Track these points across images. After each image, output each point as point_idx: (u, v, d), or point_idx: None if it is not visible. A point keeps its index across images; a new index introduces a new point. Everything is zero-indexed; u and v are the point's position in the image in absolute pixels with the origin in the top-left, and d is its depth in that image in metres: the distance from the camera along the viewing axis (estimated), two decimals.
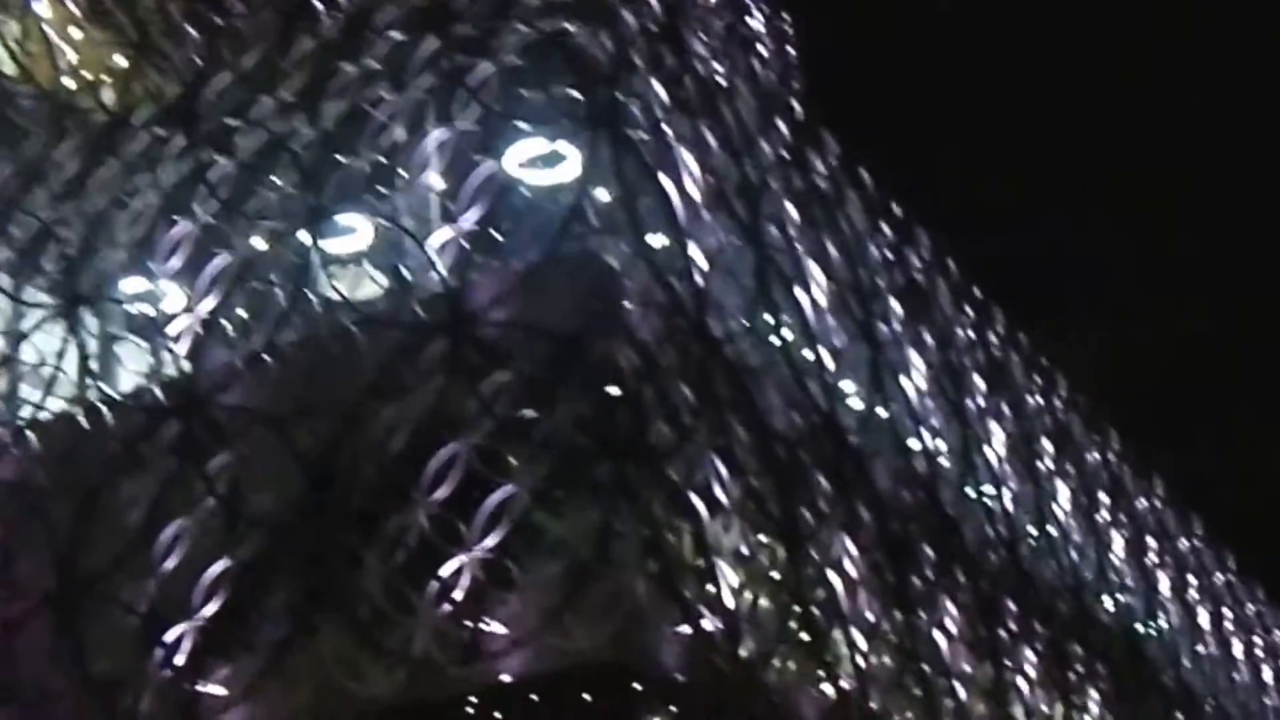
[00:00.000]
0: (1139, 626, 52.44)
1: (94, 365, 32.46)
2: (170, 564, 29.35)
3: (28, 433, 32.09)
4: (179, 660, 28.57)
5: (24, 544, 30.89)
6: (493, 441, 27.13)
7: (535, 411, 27.17)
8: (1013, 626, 40.75)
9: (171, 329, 31.40)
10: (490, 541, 26.39)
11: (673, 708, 28.79)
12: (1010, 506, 43.33)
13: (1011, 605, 41.09)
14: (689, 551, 27.66)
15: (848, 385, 36.55)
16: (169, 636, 28.72)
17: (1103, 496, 52.38)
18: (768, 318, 32.83)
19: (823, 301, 35.42)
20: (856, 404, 36.61)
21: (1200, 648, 58.99)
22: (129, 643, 29.37)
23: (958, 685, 36.56)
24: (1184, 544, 61.79)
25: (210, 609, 28.58)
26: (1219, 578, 65.42)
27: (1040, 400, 49.43)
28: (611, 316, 27.61)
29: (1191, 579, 60.79)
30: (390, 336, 28.69)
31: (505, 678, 26.34)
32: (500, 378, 27.26)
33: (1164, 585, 56.63)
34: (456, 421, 27.47)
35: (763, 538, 30.29)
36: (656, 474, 27.26)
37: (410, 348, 28.33)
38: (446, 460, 27.17)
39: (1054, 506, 47.05)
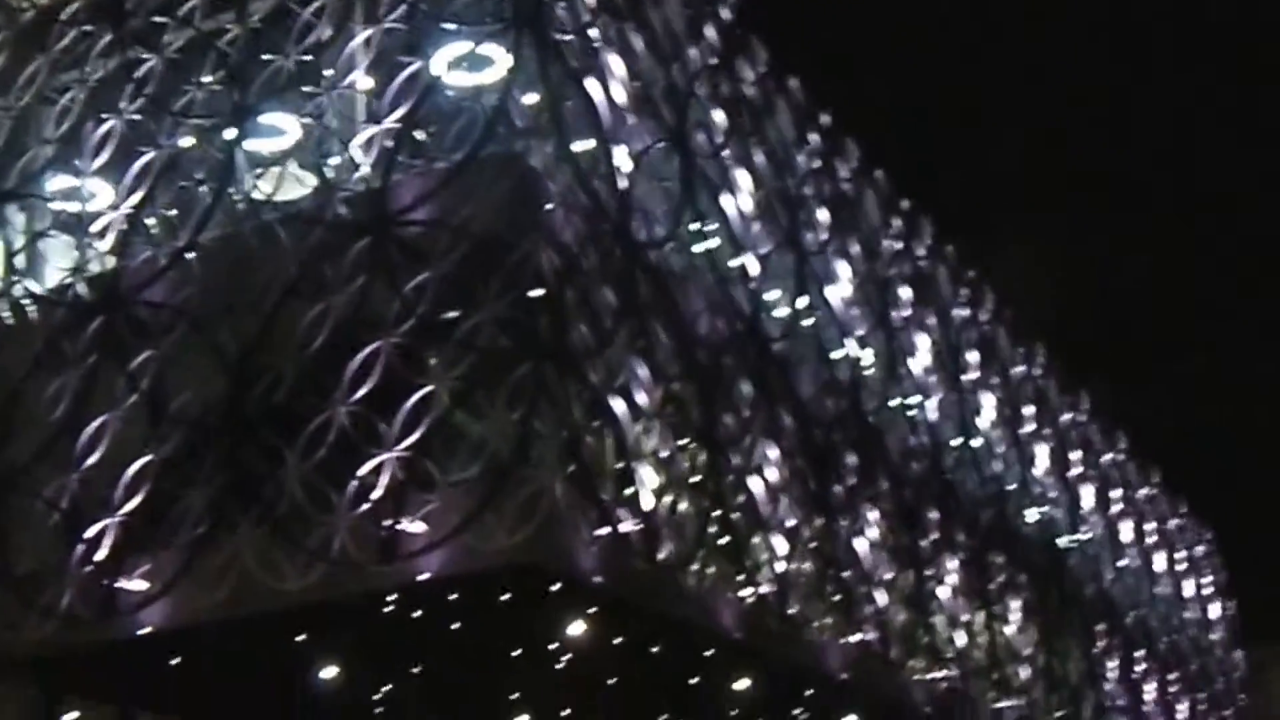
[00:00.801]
0: (1061, 539, 53.00)
1: (19, 262, 32.37)
2: (92, 460, 29.41)
3: None
4: (100, 556, 28.65)
5: None
6: (413, 341, 27.12)
7: (456, 312, 27.15)
8: (934, 535, 41.16)
9: (96, 226, 31.29)
10: (409, 441, 26.40)
11: (590, 609, 29.08)
12: (934, 416, 43.64)
13: (933, 514, 41.49)
14: (608, 454, 27.76)
15: (773, 294, 36.68)
16: (90, 532, 28.81)
17: (1027, 409, 52.78)
18: (692, 224, 32.89)
19: (749, 209, 35.52)
20: (781, 312, 36.74)
21: (1122, 561, 59.68)
22: (50, 538, 29.46)
23: (878, 592, 36.96)
24: (1108, 458, 62.37)
25: (131, 505, 28.65)
26: (1142, 492, 66.09)
27: (967, 312, 49.63)
28: (534, 218, 27.60)
29: (1115, 493, 61.43)
30: (313, 235, 28.64)
31: (423, 577, 26.39)
32: (422, 278, 27.22)
33: (1087, 498, 57.22)
34: (377, 321, 27.46)
35: (684, 442, 30.42)
36: (577, 376, 27.34)
37: (333, 247, 28.29)
38: (367, 359, 27.16)
39: (978, 418, 47.39)
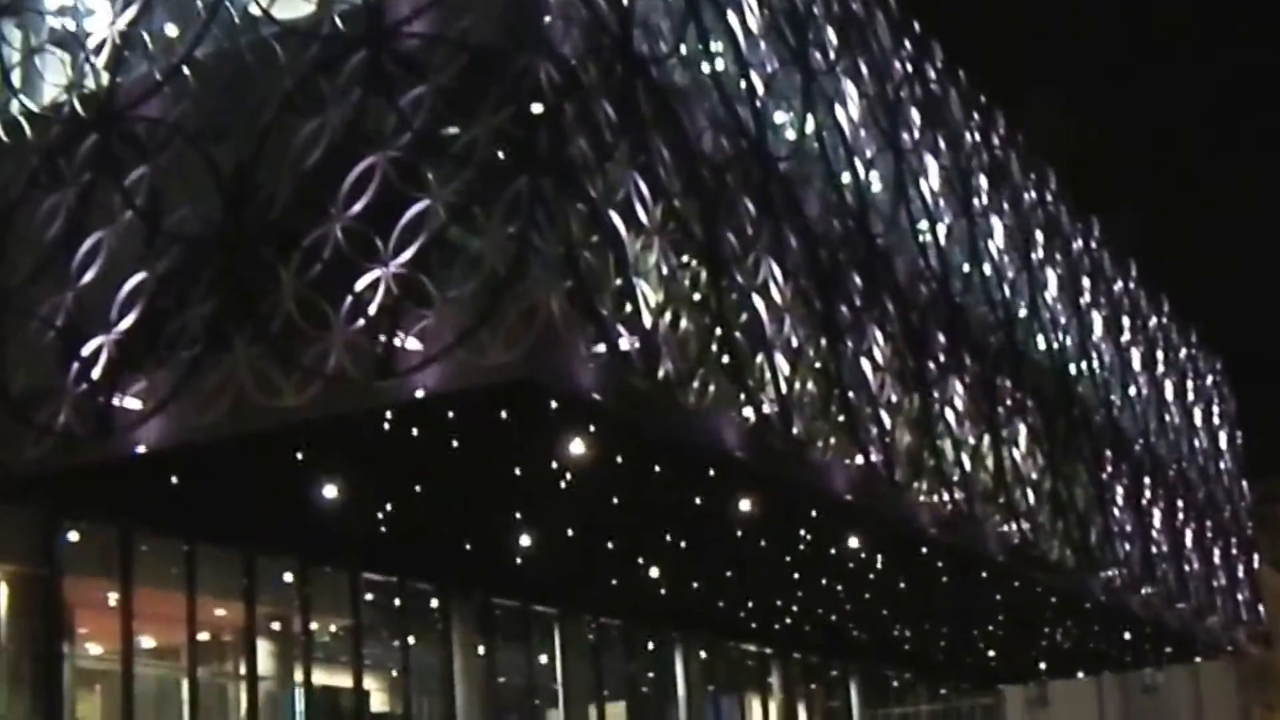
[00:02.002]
0: (1071, 366, 52.79)
1: (15, 78, 31.91)
2: (88, 278, 29.16)
3: None
4: (95, 374, 28.48)
5: None
6: (410, 156, 26.72)
7: (453, 126, 26.77)
8: (941, 358, 40.91)
9: (92, 42, 30.80)
10: (406, 256, 26.09)
11: (590, 428, 28.92)
12: (943, 240, 43.24)
13: (941, 338, 41.21)
14: (608, 271, 27.42)
15: (780, 115, 36.18)
16: (85, 350, 28.62)
17: (1038, 235, 52.35)
18: (697, 41, 32.33)
19: (755, 27, 34.93)
20: (789, 133, 36.26)
21: (1132, 389, 59.52)
22: (46, 356, 29.29)
23: (884, 414, 36.79)
24: (1119, 286, 62.00)
25: (127, 323, 28.43)
26: (1153, 321, 65.80)
27: (977, 137, 49.04)
28: (533, 31, 27.05)
29: (1126, 321, 61.15)
30: (310, 50, 28.16)
31: (420, 394, 26.19)
32: (418, 92, 26.77)
33: (1097, 326, 56.95)
34: (374, 136, 27.08)
35: (685, 260, 30.09)
36: (575, 190, 26.94)
37: (329, 61, 27.83)
38: (363, 174, 26.79)
39: (988, 243, 46.99)
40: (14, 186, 30.64)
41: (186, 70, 29.52)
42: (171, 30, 30.45)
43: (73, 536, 32.36)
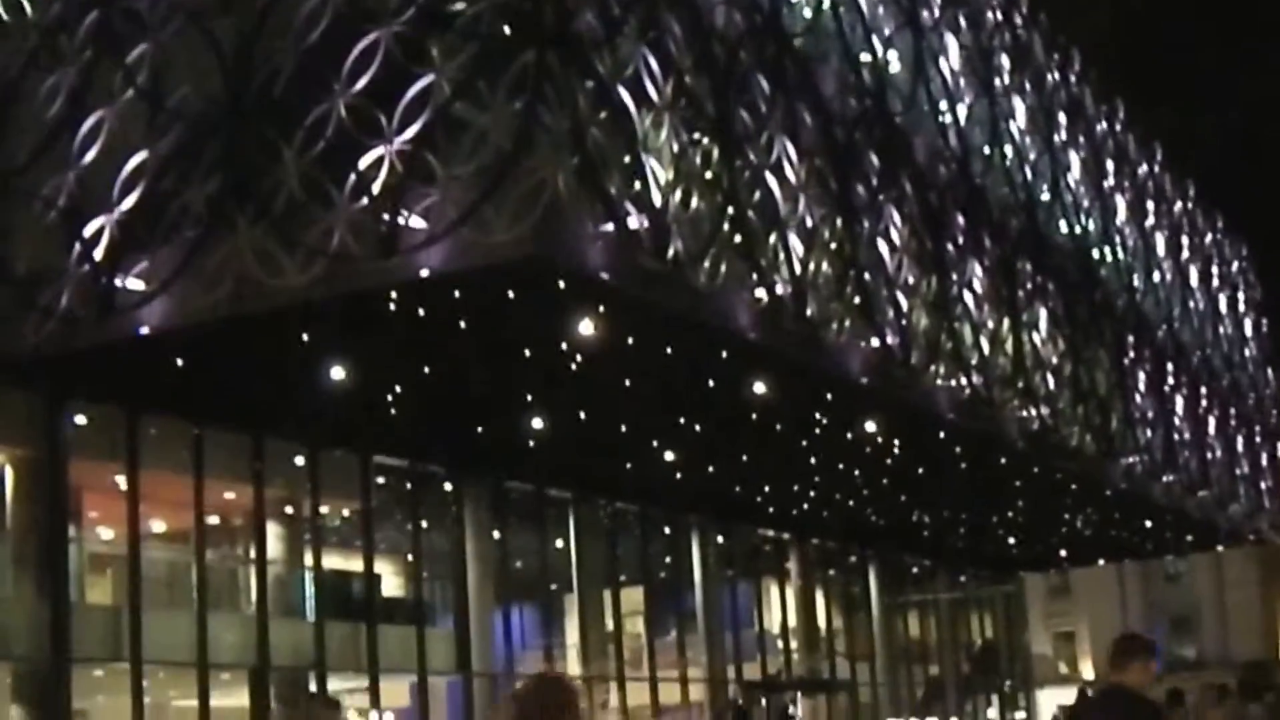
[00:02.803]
0: (1093, 250, 52.14)
1: None
2: (89, 157, 28.74)
3: None
4: (97, 255, 28.10)
5: None
6: (414, 30, 26.19)
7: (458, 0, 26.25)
8: (960, 240, 40.33)
9: None
10: (410, 133, 25.60)
11: (600, 308, 28.50)
12: (963, 121, 42.53)
13: (960, 219, 40.62)
14: (615, 147, 26.88)
15: None
16: (87, 231, 28.23)
17: (1061, 117, 51.58)
18: None
19: None
20: (805, 9, 35.57)
21: (1156, 274, 58.86)
22: (48, 237, 28.92)
23: (900, 296, 36.27)
24: (1144, 170, 61.21)
25: (129, 202, 28.03)
26: (1179, 206, 65.02)
27: (999, 16, 48.19)
28: None
29: (1150, 205, 60.40)
30: None
31: (424, 272, 25.78)
32: None
33: (1121, 210, 56.24)
34: (377, 11, 26.52)
35: (696, 137, 29.54)
36: (583, 65, 26.34)
37: None
38: (366, 50, 26.25)
39: (1009, 124, 46.25)
40: (14, 66, 30.14)
41: None
42: None
43: (78, 419, 32.14)
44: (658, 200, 27.38)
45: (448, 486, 41.65)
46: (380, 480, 39.62)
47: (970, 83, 43.82)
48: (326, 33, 26.82)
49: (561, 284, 27.26)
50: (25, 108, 29.76)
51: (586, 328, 28.95)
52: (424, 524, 41.15)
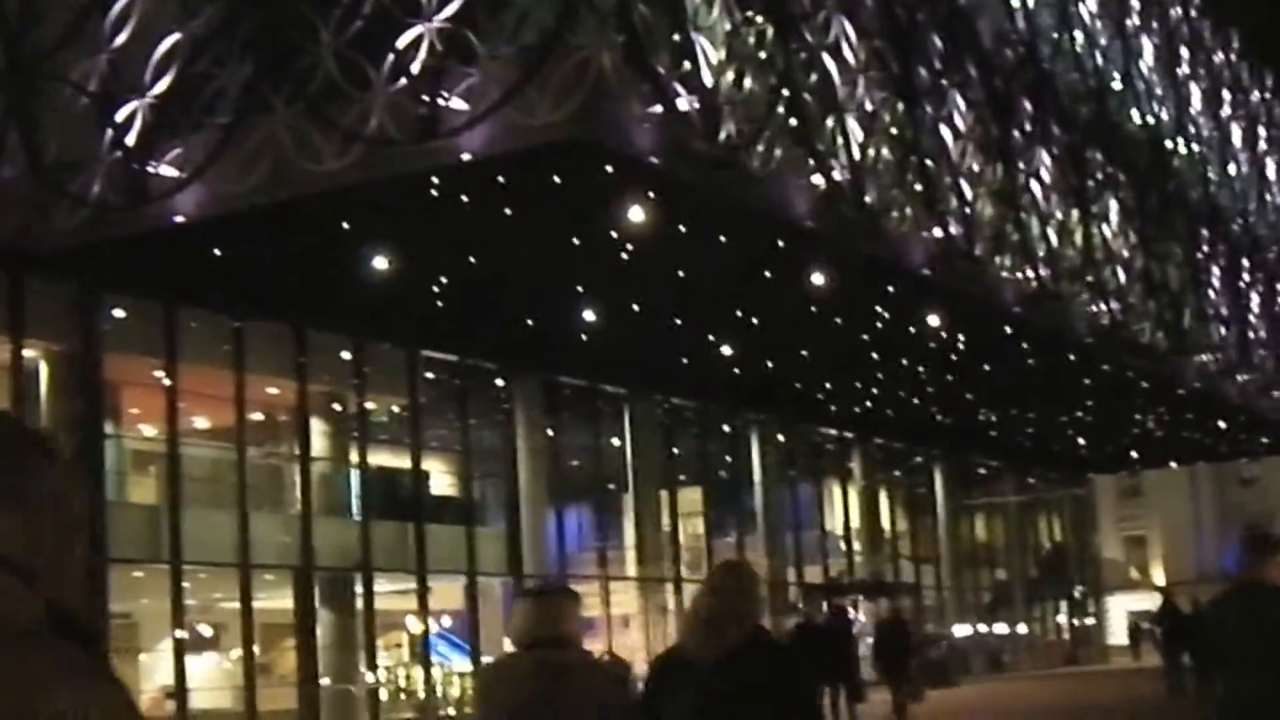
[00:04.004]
0: (1166, 140, 50.67)
1: None
2: (120, 40, 27.79)
3: None
4: (129, 140, 27.19)
5: None
6: None
7: None
8: (1027, 128, 39.00)
9: None
10: (450, 10, 24.66)
11: (649, 193, 27.44)
12: (1030, 3, 41.11)
13: (1027, 106, 39.27)
14: (664, 25, 25.75)
15: None
16: (119, 116, 27.31)
17: (1133, 1, 49.97)
18: None
19: None
20: None
21: (1231, 167, 57.31)
22: (79, 124, 28.03)
23: (964, 184, 35.04)
24: (1219, 58, 59.45)
25: (161, 86, 27.08)
26: (1256, 96, 63.26)
27: None
28: None
29: (1226, 95, 58.73)
30: None
31: (465, 156, 24.81)
32: None
33: (1195, 100, 54.67)
34: None
35: (750, 16, 28.34)
36: None
37: None
38: None
39: (1079, 8, 44.76)
40: None
41: None
42: None
43: (115, 313, 31.35)
44: (709, 81, 26.36)
45: (498, 382, 40.75)
46: (429, 375, 38.73)
47: None
48: None
49: (608, 168, 26.19)
50: None
51: (636, 214, 27.91)
52: (473, 420, 40.34)
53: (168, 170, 27.17)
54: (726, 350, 40.55)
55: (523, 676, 6.64)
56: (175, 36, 27.21)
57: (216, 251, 29.04)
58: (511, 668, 6.87)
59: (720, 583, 7.12)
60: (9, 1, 28.64)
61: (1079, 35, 43.96)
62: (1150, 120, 49.11)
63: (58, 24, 28.41)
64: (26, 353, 30.16)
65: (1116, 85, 46.58)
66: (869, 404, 50.99)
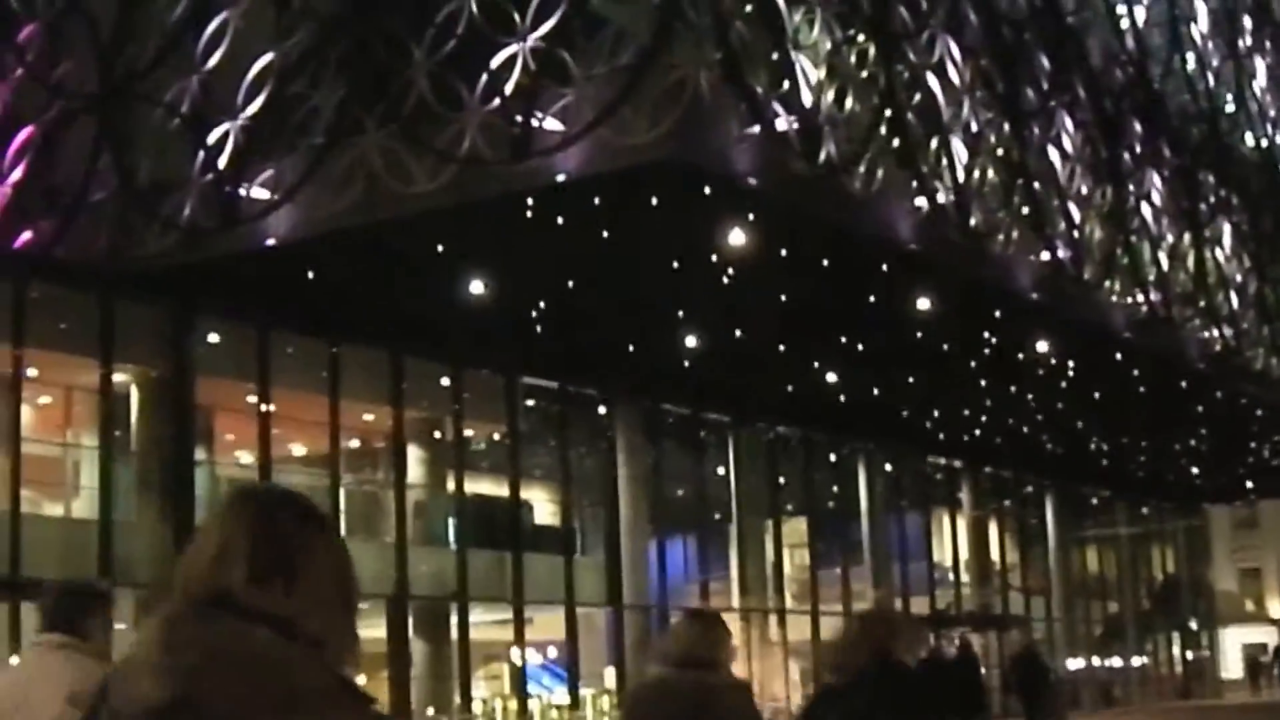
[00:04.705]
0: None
1: None
2: (214, 61, 27.55)
3: None
4: (221, 162, 26.93)
5: (65, 44, 29.28)
6: None
7: None
8: (1138, 149, 38.13)
9: None
10: (544, 29, 24.28)
11: (749, 215, 26.87)
12: (1140, 22, 40.27)
13: (1138, 127, 38.41)
14: (763, 43, 25.25)
15: None
16: (211, 137, 27.06)
17: (1246, 21, 48.94)
18: None
19: None
20: None
21: None
22: (171, 145, 27.84)
23: (1073, 206, 34.25)
24: None
25: (254, 107, 26.81)
26: None
27: None
28: None
29: None
30: None
31: (560, 177, 24.40)
32: None
33: None
34: None
35: (852, 34, 27.76)
36: None
37: None
38: None
39: (1190, 27, 43.83)
40: None
41: None
42: None
43: (209, 337, 31.13)
44: (808, 101, 25.82)
45: (600, 410, 40.23)
46: (529, 402, 38.28)
47: None
48: None
49: (706, 189, 25.64)
50: (148, 9, 28.60)
51: (737, 237, 27.33)
52: (574, 448, 39.82)
53: (259, 192, 26.89)
54: (831, 377, 39.85)
55: (677, 694, 6.79)
56: (268, 57, 26.94)
57: (310, 274, 28.70)
58: (665, 685, 6.95)
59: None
60: (102, 22, 28.45)
61: (1190, 56, 42.96)
62: (1264, 143, 47.99)
63: (151, 45, 28.24)
64: (117, 377, 29.93)
65: (1229, 107, 45.50)
66: (978, 432, 50.05)
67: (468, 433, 36.80)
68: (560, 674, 40.39)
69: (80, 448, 31.04)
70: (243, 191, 26.91)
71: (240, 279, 28.66)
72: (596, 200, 26.15)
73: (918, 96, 29.20)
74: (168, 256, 27.45)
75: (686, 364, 36.84)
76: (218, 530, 3.09)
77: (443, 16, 25.15)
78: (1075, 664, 62.28)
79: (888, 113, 27.79)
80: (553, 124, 24.40)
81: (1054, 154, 33.79)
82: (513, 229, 26.93)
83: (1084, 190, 34.87)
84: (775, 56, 25.44)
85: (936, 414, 47.11)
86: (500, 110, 24.56)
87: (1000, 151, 31.68)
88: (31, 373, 29.39)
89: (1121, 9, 39.24)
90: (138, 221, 27.69)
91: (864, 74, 27.84)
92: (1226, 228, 42.91)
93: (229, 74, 27.26)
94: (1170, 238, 38.99)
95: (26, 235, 28.77)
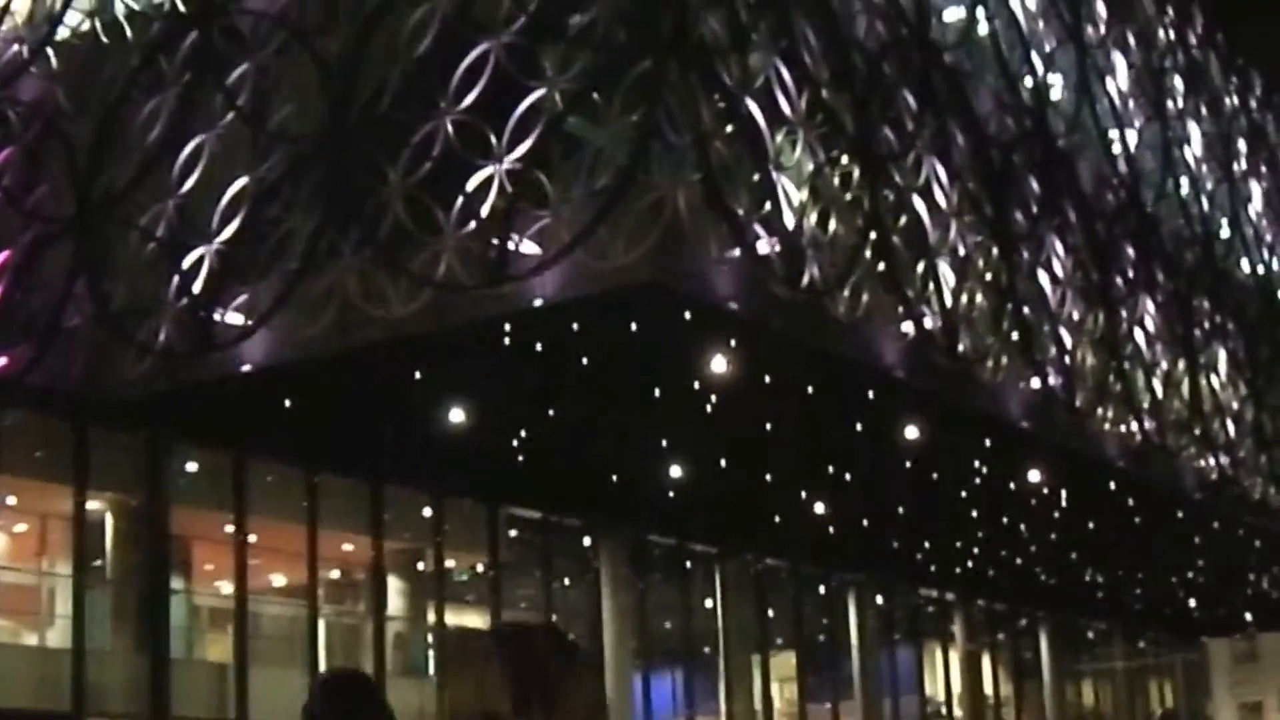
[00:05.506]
0: (1277, 289, 49.23)
1: None
2: (189, 184, 27.19)
3: (47, 50, 29.87)
4: (196, 287, 26.47)
5: (41, 168, 29.00)
6: (525, 41, 24.52)
7: (572, 5, 24.48)
8: (1130, 274, 37.71)
9: None
10: (520, 151, 23.90)
11: (730, 340, 26.38)
12: (1132, 145, 39.98)
13: (1130, 251, 38.00)
14: (744, 164, 24.85)
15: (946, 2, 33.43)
16: (186, 262, 26.62)
17: (1240, 145, 48.73)
18: None
19: None
20: (957, 23, 33.37)
21: None
22: (146, 270, 27.41)
23: (1064, 332, 33.78)
24: None
25: (229, 231, 26.40)
26: None
27: (1171, 34, 45.59)
28: None
29: None
30: None
31: (538, 301, 23.95)
32: None
33: None
34: (487, 21, 24.90)
35: (835, 156, 27.41)
36: (706, 75, 24.42)
37: None
38: (475, 63, 24.69)
39: (1183, 150, 43.57)
40: (114, 90, 28.73)
41: None
42: None
43: (186, 465, 30.69)
44: (790, 223, 25.37)
45: (585, 540, 39.62)
46: (511, 532, 37.72)
47: (1140, 105, 41.34)
48: (433, 46, 25.24)
49: (686, 314, 25.17)
50: (125, 132, 28.32)
51: (719, 363, 26.81)
52: (558, 579, 39.23)
53: (235, 317, 26.46)
54: (820, 507, 39.22)
55: None
56: (243, 181, 26.59)
57: (287, 401, 28.18)
58: None
59: None
60: (78, 146, 28.16)
61: (1184, 179, 42.69)
62: (1259, 268, 47.68)
63: (126, 169, 27.92)
64: (93, 505, 29.66)
65: (1224, 231, 45.18)
66: (970, 563, 49.37)
67: (449, 563, 36.25)
68: None
69: (55, 576, 30.48)
70: (218, 316, 26.42)
71: (216, 406, 28.14)
72: (575, 325, 25.71)
73: (903, 219, 28.78)
74: (143, 383, 26.96)
75: (671, 494, 36.25)
76: (482, 664, 3.71)
77: (419, 138, 24.78)
78: None
79: (872, 235, 27.38)
80: (530, 247, 24.03)
81: (1044, 278, 33.30)
82: (491, 354, 26.53)
83: (1075, 315, 34.38)
84: (756, 177, 24.99)
85: (928, 545, 46.49)
86: (477, 233, 24.15)
87: (989, 276, 31.21)
88: (9, 500, 28.97)
89: (1114, 132, 38.85)
90: (113, 347, 27.18)
91: (848, 196, 27.44)
92: (1222, 354, 42.44)
93: (204, 198, 26.91)
94: (1164, 364, 38.47)
95: (1, 361, 28.32)
